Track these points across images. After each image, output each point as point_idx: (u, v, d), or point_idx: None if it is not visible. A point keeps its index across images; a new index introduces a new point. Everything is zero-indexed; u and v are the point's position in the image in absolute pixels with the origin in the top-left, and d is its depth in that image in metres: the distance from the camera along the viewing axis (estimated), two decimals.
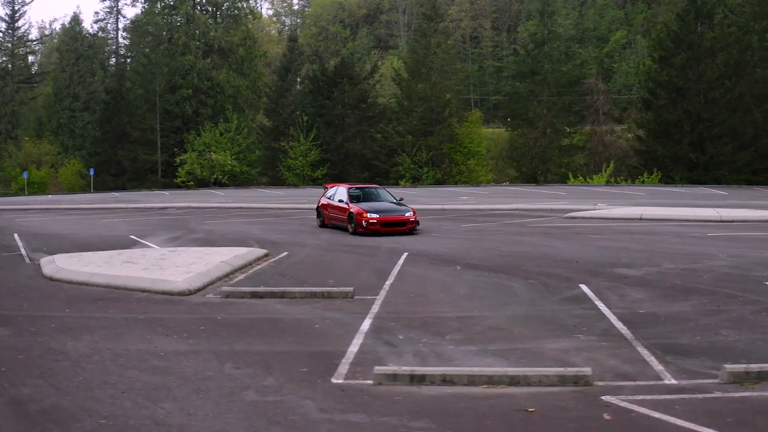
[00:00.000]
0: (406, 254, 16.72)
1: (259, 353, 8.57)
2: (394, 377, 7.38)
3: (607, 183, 48.69)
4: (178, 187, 56.36)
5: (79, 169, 63.87)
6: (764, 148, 47.94)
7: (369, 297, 11.74)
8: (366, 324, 9.95)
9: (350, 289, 11.80)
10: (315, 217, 24.69)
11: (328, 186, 24.73)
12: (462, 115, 57.88)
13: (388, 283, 13.03)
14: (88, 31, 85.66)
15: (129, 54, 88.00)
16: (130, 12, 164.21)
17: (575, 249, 17.34)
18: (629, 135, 62.51)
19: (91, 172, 58.62)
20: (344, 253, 17.23)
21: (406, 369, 7.53)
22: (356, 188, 23.30)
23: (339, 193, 23.08)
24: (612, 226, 22.66)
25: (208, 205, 34.72)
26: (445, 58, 57.80)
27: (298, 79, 63.65)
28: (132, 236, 21.48)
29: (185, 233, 22.16)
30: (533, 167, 60.90)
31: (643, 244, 18.38)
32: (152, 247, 18.39)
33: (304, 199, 37.59)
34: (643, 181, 47.75)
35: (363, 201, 22.34)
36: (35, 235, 22.09)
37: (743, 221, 23.32)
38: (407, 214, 21.50)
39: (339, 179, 58.57)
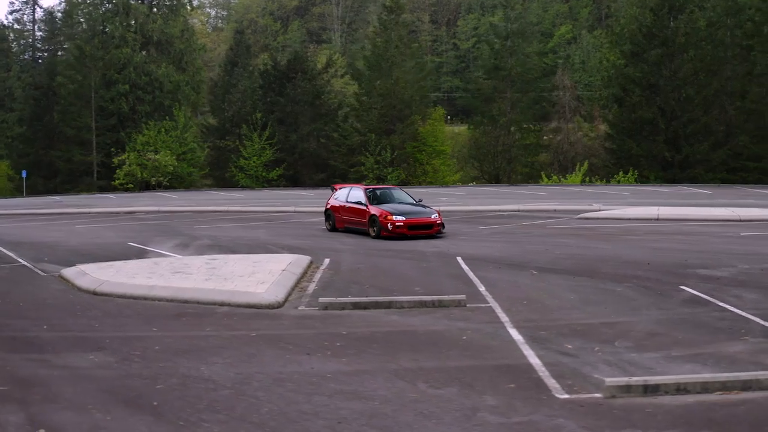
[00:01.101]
0: (460, 258, 16.34)
1: (439, 370, 8.07)
2: (627, 389, 7.07)
3: (583, 182, 49.40)
4: (114, 189, 54.27)
5: (7, 172, 60.87)
6: (738, 146, 49.52)
7: (482, 305, 11.41)
8: (515, 334, 9.59)
9: (462, 297, 11.42)
10: (323, 220, 23.99)
11: (337, 187, 24.11)
12: (425, 113, 57.80)
13: (482, 289, 12.64)
14: (1, 22, 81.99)
15: (46, 47, 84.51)
16: (47, 2, 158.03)
17: (627, 250, 17.31)
18: (592, 134, 63.79)
19: (23, 175, 55.90)
20: (393, 258, 16.72)
21: (638, 380, 7.22)
22: (373, 189, 22.79)
23: (354, 195, 22.51)
24: (638, 227, 22.81)
25: (178, 208, 33.54)
26: (406, 52, 57.65)
27: (245, 74, 62.30)
28: (131, 243, 20.42)
29: (188, 240, 21.23)
30: (496, 167, 61.39)
31: (688, 244, 18.53)
32: (171, 255, 17.54)
33: (278, 202, 36.78)
34: (619, 181, 48.64)
35: (381, 202, 21.83)
36: (17, 243, 20.73)
37: (762, 220, 23.83)
38: (433, 216, 21.13)
39: (294, 181, 57.74)
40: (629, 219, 25.19)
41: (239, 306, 11.36)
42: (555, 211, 29.16)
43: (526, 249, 18.01)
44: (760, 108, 49.23)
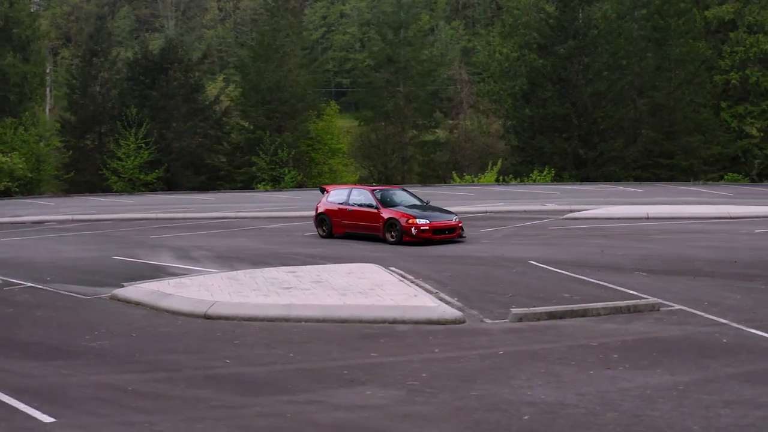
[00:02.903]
0: (537, 262, 16.39)
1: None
2: None
3: (497, 182, 50.72)
4: None
5: None
6: (650, 142, 52.70)
7: (673, 307, 11.53)
8: (758, 332, 9.82)
9: (656, 300, 11.48)
10: (293, 226, 23.39)
11: (328, 189, 23.41)
12: (319, 108, 57.30)
13: (636, 292, 12.72)
14: None
15: None
16: None
17: (683, 250, 18.00)
18: (489, 130, 65.63)
19: None
20: (462, 265, 16.44)
21: None
22: (380, 189, 22.34)
23: (358, 197, 22.00)
24: (643, 226, 23.70)
25: (92, 216, 31.48)
26: (296, 42, 56.92)
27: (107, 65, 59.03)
28: (116, 257, 19.03)
29: (181, 252, 19.90)
30: (391, 166, 61.83)
31: (728, 242, 19.52)
32: (204, 270, 16.49)
33: (190, 207, 35.16)
34: (535, 180, 50.31)
35: (389, 204, 21.45)
36: None
37: (754, 217, 25.51)
38: (455, 219, 21.04)
39: (170, 184, 55.43)
40: (620, 218, 26.13)
41: (419, 323, 10.81)
42: (525, 211, 29.77)
43: (581, 251, 18.32)
44: (669, 103, 52.73)
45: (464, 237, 21.17)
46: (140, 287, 13.24)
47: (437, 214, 21.08)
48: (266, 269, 15.13)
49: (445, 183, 53.54)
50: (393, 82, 61.17)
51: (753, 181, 50.82)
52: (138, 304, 12.54)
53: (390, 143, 61.87)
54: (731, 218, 25.24)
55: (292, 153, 52.41)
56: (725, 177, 50.01)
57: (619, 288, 13.28)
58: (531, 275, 15.00)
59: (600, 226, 24.14)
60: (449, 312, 10.97)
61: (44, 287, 14.85)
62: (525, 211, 29.91)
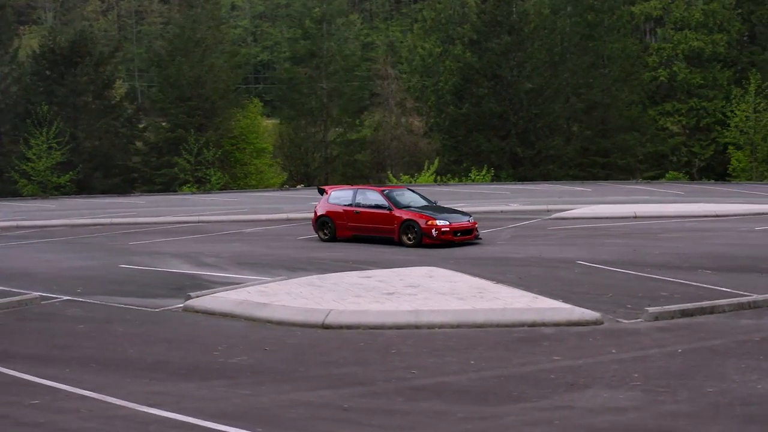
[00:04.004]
0: (583, 262, 16.77)
1: None
2: None
3: (436, 182, 51.24)
4: None
5: None
6: (585, 141, 54.44)
7: None
8: None
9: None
10: (290, 229, 23.07)
11: (328, 189, 23.17)
12: (243, 105, 56.50)
13: (726, 289, 13.21)
14: None
15: None
16: None
17: (707, 247, 18.81)
18: (409, 128, 66.27)
19: None
20: (510, 266, 16.52)
21: None
22: (390, 190, 22.26)
23: (366, 197, 21.85)
24: (641, 225, 24.43)
25: (37, 223, 30.26)
26: (217, 35, 55.94)
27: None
28: (124, 265, 18.22)
29: (191, 259, 19.33)
30: (315, 167, 61.65)
31: (741, 239, 20.43)
32: (251, 278, 16.04)
33: (127, 211, 34.08)
34: (473, 179, 51.11)
35: (400, 205, 21.44)
36: None
37: (739, 214, 26.76)
38: (471, 220, 21.22)
39: (82, 186, 53.58)
40: (609, 217, 26.86)
41: (560, 324, 10.90)
42: (503, 212, 30.24)
43: (613, 251, 18.70)
44: (604, 101, 54.66)
45: (480, 238, 21.36)
46: (219, 297, 12.76)
47: (454, 215, 21.16)
48: (335, 275, 14.85)
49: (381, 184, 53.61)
50: (315, 78, 60.99)
51: (693, 178, 53.22)
52: (227, 316, 12.05)
53: (312, 142, 61.70)
54: (717, 216, 26.33)
55: (218, 153, 51.43)
56: (666, 175, 52.11)
57: (704, 285, 13.69)
58: (597, 275, 15.25)
59: (598, 225, 24.72)
60: (588, 313, 11.09)
61: (87, 300, 14.10)
62: (502, 211, 30.37)
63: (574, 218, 26.97)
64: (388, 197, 21.39)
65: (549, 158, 53.41)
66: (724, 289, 13.32)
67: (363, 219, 21.56)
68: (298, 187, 55.10)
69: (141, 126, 56.81)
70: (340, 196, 22.48)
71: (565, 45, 56.02)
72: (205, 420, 7.46)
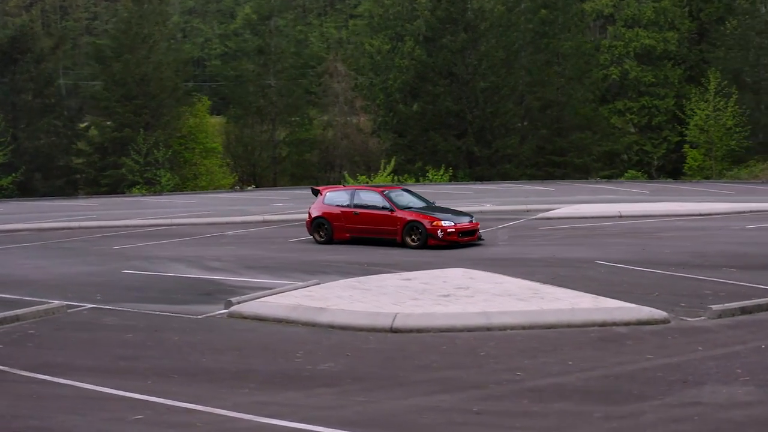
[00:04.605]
0: (602, 262, 17.15)
1: None
2: None
3: (393, 182, 51.37)
4: None
5: None
6: (541, 140, 55.27)
7: None
8: None
9: None
10: (273, 231, 23.02)
11: (323, 190, 23.13)
12: (191, 103, 55.83)
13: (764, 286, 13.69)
14: None
15: None
16: None
17: (713, 246, 19.34)
18: (358, 127, 66.30)
19: None
20: (535, 267, 16.78)
21: None
22: (389, 191, 22.32)
23: (365, 198, 21.92)
24: (636, 224, 25.06)
25: (6, 227, 29.32)
26: (164, 32, 55.14)
27: None
28: (128, 270, 18.00)
29: (196, 263, 19.17)
30: (263, 167, 61.30)
31: (744, 238, 21.07)
32: (279, 282, 16.00)
33: (87, 215, 33.47)
34: (431, 179, 51.43)
35: (399, 206, 21.57)
36: None
37: (723, 213, 27.58)
38: (474, 221, 21.45)
39: (23, 189, 52.30)
40: (595, 216, 27.40)
41: (630, 324, 11.17)
42: (482, 212, 30.57)
43: (623, 250, 19.16)
44: (559, 99, 55.61)
45: (483, 239, 21.60)
46: (268, 303, 12.65)
47: (457, 216, 21.33)
48: (374, 278, 14.87)
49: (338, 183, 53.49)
50: (263, 74, 60.62)
51: (651, 177, 54.51)
52: (282, 321, 11.96)
53: (259, 142, 61.35)
54: (702, 215, 27.10)
55: (168, 153, 50.70)
56: (625, 174, 53.24)
57: (741, 283, 14.12)
58: (627, 275, 15.56)
59: (590, 225, 25.20)
60: (656, 312, 11.35)
61: (114, 307, 13.85)
62: (480, 212, 30.68)
63: (560, 218, 27.43)
64: (389, 198, 21.44)
65: (506, 157, 54.00)
66: (762, 286, 13.77)
67: (363, 220, 21.58)
68: (250, 188, 54.69)
69: (83, 125, 55.60)
70: (336, 197, 22.47)
71: (520, 43, 56.69)
72: (338, 428, 7.44)
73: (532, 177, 52.97)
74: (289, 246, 22.36)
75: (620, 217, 27.26)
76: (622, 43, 61.29)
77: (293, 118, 60.58)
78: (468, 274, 14.85)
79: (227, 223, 28.89)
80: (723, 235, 21.76)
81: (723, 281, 14.55)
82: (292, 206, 35.43)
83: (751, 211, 27.25)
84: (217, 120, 60.40)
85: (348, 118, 63.77)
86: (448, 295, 12.55)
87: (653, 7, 60.67)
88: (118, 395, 8.75)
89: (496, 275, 14.66)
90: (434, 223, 20.40)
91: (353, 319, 11.50)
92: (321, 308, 11.99)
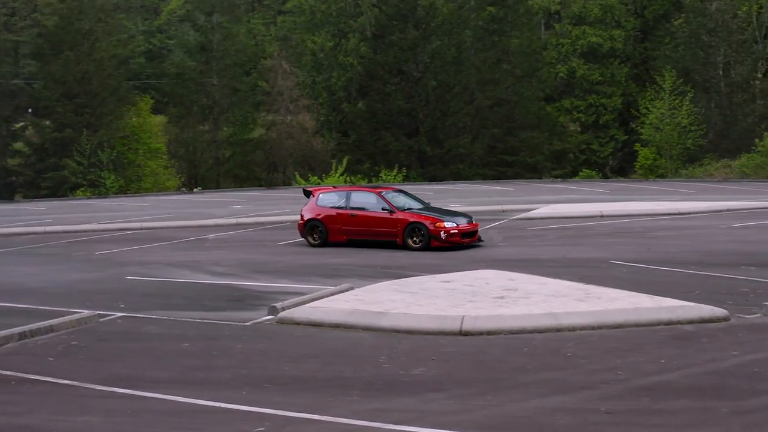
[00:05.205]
0: (617, 262, 17.66)
1: None
2: None
3: (346, 183, 51.37)
4: None
5: None
6: (493, 139, 55.90)
7: None
8: None
9: None
10: (255, 235, 23.08)
11: (315, 191, 23.11)
12: (134, 102, 54.97)
13: None
14: None
15: None
16: None
17: (714, 245, 20.14)
18: (303, 126, 66.10)
19: None
20: (550, 268, 17.10)
21: None
22: (385, 192, 22.42)
23: (362, 200, 21.98)
24: (622, 224, 25.66)
25: None
26: (105, 28, 54.17)
27: None
28: (130, 277, 17.81)
29: (200, 268, 19.08)
30: (207, 168, 60.71)
31: (737, 237, 21.80)
32: (306, 286, 16.05)
33: (37, 219, 32.83)
34: (383, 180, 51.53)
35: (403, 208, 21.73)
36: None
37: (702, 212, 28.35)
38: (473, 221, 21.76)
39: None
40: (577, 216, 27.92)
41: (693, 322, 11.60)
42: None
43: (628, 249, 19.78)
44: (510, 98, 56.40)
45: (483, 240, 21.91)
46: (319, 308, 12.69)
47: (457, 217, 21.59)
48: (412, 280, 15.03)
49: (285, 186, 53.33)
50: (206, 72, 60.06)
51: (606, 176, 55.71)
52: (340, 326, 12.01)
53: (202, 142, 60.79)
54: (682, 214, 27.87)
55: (113, 154, 49.82)
56: (580, 173, 54.29)
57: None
58: (654, 274, 15.99)
59: (578, 225, 25.65)
60: (717, 310, 11.77)
61: (148, 316, 13.72)
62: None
63: (542, 218, 27.88)
64: (388, 199, 21.57)
65: (458, 157, 54.46)
66: None
67: (361, 222, 21.65)
68: (196, 190, 54.12)
69: (19, 125, 54.23)
70: (330, 199, 22.48)
71: (470, 40, 57.22)
72: None
73: (484, 177, 53.53)
74: (283, 249, 22.36)
75: (602, 216, 27.82)
76: (569, 41, 62.46)
77: (237, 118, 60.01)
78: (503, 275, 15.13)
79: (200, 227, 28.67)
80: (717, 234, 22.48)
81: (750, 279, 15.14)
82: (252, 208, 35.27)
83: (728, 210, 28.10)
84: (159, 119, 59.51)
85: (292, 117, 63.47)
86: (502, 297, 12.80)
87: (600, 5, 61.97)
88: (222, 408, 8.67)
89: (535, 276, 14.96)
90: (437, 225, 20.60)
91: (418, 322, 11.64)
92: (380, 312, 12.09)
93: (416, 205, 22.16)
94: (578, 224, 25.87)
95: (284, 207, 34.77)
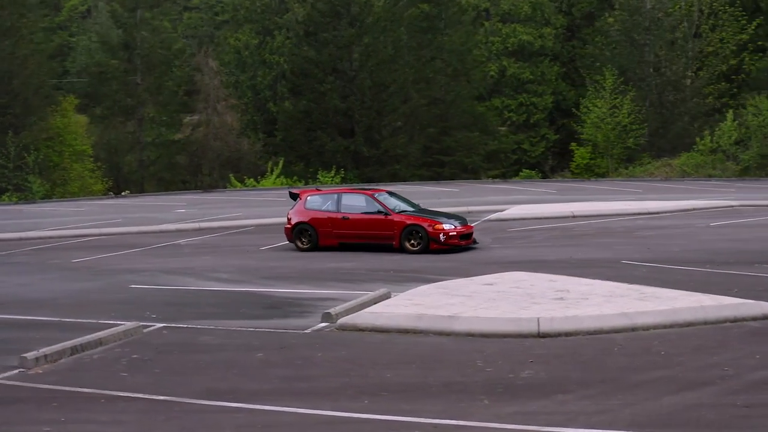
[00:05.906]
0: (629, 262, 18.38)
1: None
2: None
3: (283, 185, 51.06)
4: None
5: None
6: (428, 139, 56.31)
7: None
8: None
9: None
10: (232, 240, 23.60)
11: (302, 194, 23.09)
12: (58, 102, 53.60)
13: None
14: None
15: None
16: None
17: (709, 243, 20.99)
18: (230, 127, 65.40)
19: None
20: (594, 269, 17.57)
21: None
22: (378, 194, 22.57)
23: (355, 202, 22.08)
24: (602, 224, 26.28)
25: None
26: (29, 24, 52.64)
27: None
28: (135, 285, 17.72)
29: (204, 275, 19.02)
30: (130, 171, 59.60)
31: (730, 235, 22.59)
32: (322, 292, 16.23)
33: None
34: (321, 181, 51.35)
35: (397, 210, 21.98)
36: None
37: (670, 211, 29.19)
38: (468, 223, 22.15)
39: None
40: (550, 217, 28.47)
41: (757, 318, 12.30)
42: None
43: (631, 249, 20.56)
44: (446, 97, 57.03)
45: (478, 242, 22.31)
46: (382, 313, 12.88)
47: (451, 218, 21.89)
48: (454, 282, 15.34)
49: (220, 189, 52.69)
50: (129, 71, 58.96)
51: (546, 176, 56.84)
52: (409, 332, 12.21)
53: (125, 143, 59.71)
54: (651, 213, 28.72)
55: (40, 157, 48.43)
56: (520, 174, 55.27)
57: None
58: (679, 274, 16.59)
59: (558, 225, 26.10)
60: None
61: (193, 326, 13.69)
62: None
63: (517, 219, 28.26)
64: (382, 202, 21.75)
65: (394, 158, 54.74)
66: None
67: (354, 226, 21.75)
68: (124, 193, 53.04)
69: None
70: (319, 201, 22.48)
71: (405, 38, 57.50)
72: (635, 430, 7.98)
73: (421, 178, 53.86)
74: (273, 254, 22.27)
75: (574, 217, 28.39)
76: (500, 39, 63.49)
77: (162, 118, 59.06)
78: (540, 277, 15.58)
79: (162, 232, 28.28)
80: (703, 233, 23.31)
81: None
82: (199, 213, 34.81)
83: (695, 209, 29.18)
84: (83, 119, 58.03)
85: (218, 118, 62.74)
86: (561, 299, 13.23)
87: (529, 2, 63.19)
88: (353, 418, 8.78)
89: (573, 278, 15.42)
90: (436, 227, 20.89)
91: (494, 325, 11.97)
92: (451, 316, 12.36)
93: (408, 206, 22.38)
94: (557, 225, 26.45)
95: (232, 211, 34.46)
